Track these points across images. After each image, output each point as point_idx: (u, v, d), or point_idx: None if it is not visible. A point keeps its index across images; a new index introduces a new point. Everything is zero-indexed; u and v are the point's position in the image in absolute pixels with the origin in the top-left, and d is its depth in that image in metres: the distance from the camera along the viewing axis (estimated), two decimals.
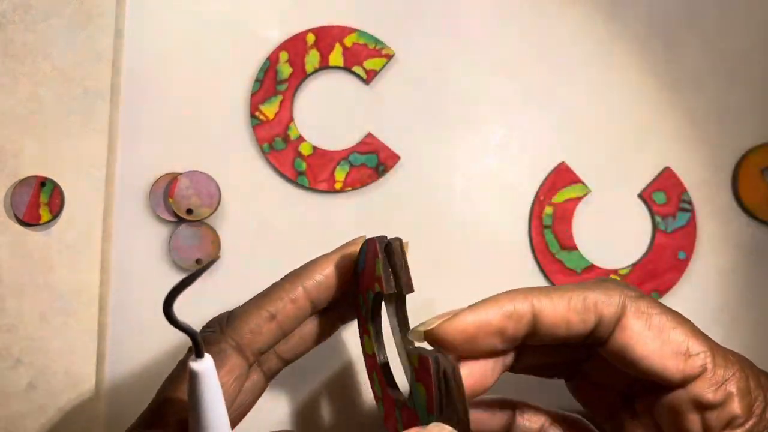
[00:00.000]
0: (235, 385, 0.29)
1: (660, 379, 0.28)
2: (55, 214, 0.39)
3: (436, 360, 0.26)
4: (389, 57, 0.40)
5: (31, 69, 0.39)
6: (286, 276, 0.31)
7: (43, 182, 0.39)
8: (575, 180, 0.40)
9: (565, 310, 0.28)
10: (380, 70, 0.40)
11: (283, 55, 0.40)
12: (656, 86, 0.41)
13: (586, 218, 0.40)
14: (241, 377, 0.30)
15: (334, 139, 0.40)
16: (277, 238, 0.40)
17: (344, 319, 0.33)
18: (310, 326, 0.32)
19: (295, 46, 0.40)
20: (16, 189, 0.38)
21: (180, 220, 0.39)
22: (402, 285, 0.28)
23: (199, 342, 0.25)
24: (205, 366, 0.25)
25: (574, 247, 0.40)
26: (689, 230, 0.40)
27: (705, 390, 0.27)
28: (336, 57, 0.40)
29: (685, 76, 0.41)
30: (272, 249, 0.40)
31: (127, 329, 0.39)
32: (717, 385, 0.27)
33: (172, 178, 0.39)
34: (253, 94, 0.40)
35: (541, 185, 0.40)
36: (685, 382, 0.28)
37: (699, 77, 0.41)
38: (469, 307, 0.29)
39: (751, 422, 0.27)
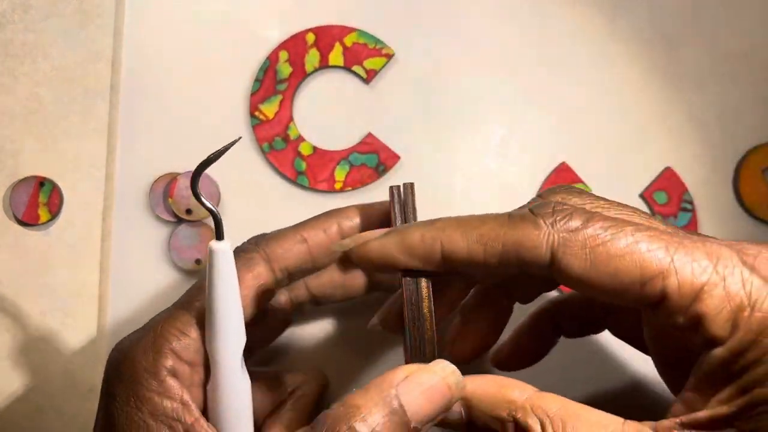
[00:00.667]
0: (260, 290, 0.30)
1: (629, 306, 0.25)
2: (54, 214, 0.39)
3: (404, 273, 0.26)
4: (389, 57, 0.40)
5: (31, 69, 0.39)
6: (324, 212, 0.33)
7: (42, 182, 0.38)
8: (576, 180, 0.40)
9: (482, 257, 0.26)
10: (380, 69, 0.40)
11: (283, 55, 0.40)
12: (657, 86, 0.41)
13: None
14: (266, 286, 0.31)
15: (334, 139, 0.40)
16: None
17: (377, 286, 0.34)
18: (344, 274, 0.34)
19: (294, 45, 0.40)
20: (15, 189, 0.38)
21: (179, 221, 0.39)
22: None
23: (220, 222, 0.27)
24: (223, 246, 0.27)
25: None
26: (690, 230, 0.40)
27: (672, 315, 0.24)
28: (336, 56, 0.40)
29: (686, 75, 0.41)
30: None
31: (127, 329, 0.38)
32: (684, 308, 0.24)
33: (172, 178, 0.39)
34: (252, 94, 0.40)
35: (542, 185, 0.40)
36: (651, 307, 0.25)
37: (700, 77, 0.41)
38: (385, 234, 0.28)
39: (736, 336, 0.24)
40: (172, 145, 0.40)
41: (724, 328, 0.24)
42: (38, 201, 0.38)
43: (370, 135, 0.40)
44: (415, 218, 0.30)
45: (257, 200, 0.40)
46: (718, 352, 0.24)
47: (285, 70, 0.40)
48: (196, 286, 0.31)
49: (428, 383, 0.25)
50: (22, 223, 0.38)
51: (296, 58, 0.40)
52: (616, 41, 0.41)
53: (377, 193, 0.40)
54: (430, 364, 0.26)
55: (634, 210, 0.26)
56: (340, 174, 0.39)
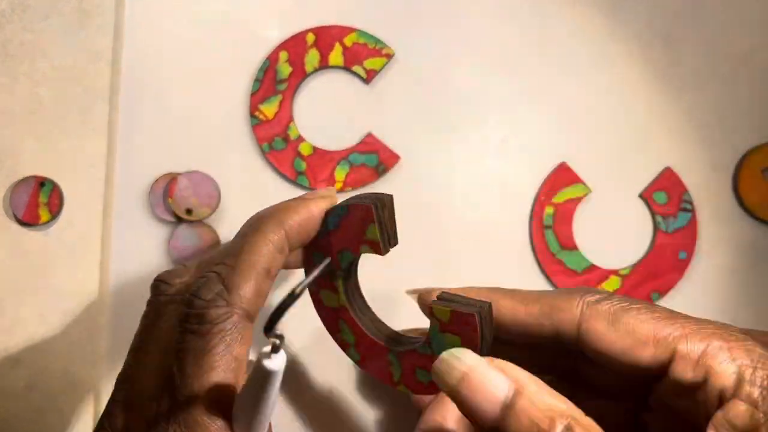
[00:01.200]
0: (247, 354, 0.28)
1: (642, 372, 0.28)
2: (55, 214, 0.38)
3: (480, 313, 0.27)
4: (389, 57, 0.40)
5: (30, 68, 0.39)
6: (264, 218, 0.30)
7: (42, 182, 0.38)
8: (576, 180, 0.40)
9: (524, 315, 0.30)
10: (380, 69, 0.40)
11: (283, 55, 0.40)
12: (657, 86, 0.41)
13: (587, 218, 0.40)
14: (250, 344, 0.29)
15: (334, 139, 0.40)
16: None
17: (287, 265, 0.33)
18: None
19: (294, 45, 0.40)
20: (15, 189, 0.38)
21: (179, 221, 0.39)
22: (392, 241, 0.30)
23: (281, 344, 0.24)
24: (279, 364, 0.24)
25: (574, 248, 0.40)
26: (690, 230, 0.40)
27: (683, 371, 0.27)
28: (336, 56, 0.40)
29: (686, 75, 0.41)
30: None
31: (127, 329, 0.38)
32: (694, 363, 0.27)
33: (172, 178, 0.39)
34: (252, 94, 0.40)
35: (542, 185, 0.40)
36: (663, 367, 0.27)
37: (700, 77, 0.41)
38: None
39: (743, 391, 0.25)
40: (172, 145, 0.39)
41: (732, 380, 0.26)
42: (38, 201, 0.38)
43: (370, 135, 0.40)
44: (394, 233, 0.30)
45: (257, 200, 0.40)
46: (729, 407, 0.25)
47: (285, 70, 0.40)
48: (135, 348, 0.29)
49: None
50: (22, 223, 0.38)
51: (296, 58, 0.40)
52: (616, 41, 0.41)
53: None
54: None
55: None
56: (340, 174, 0.39)
